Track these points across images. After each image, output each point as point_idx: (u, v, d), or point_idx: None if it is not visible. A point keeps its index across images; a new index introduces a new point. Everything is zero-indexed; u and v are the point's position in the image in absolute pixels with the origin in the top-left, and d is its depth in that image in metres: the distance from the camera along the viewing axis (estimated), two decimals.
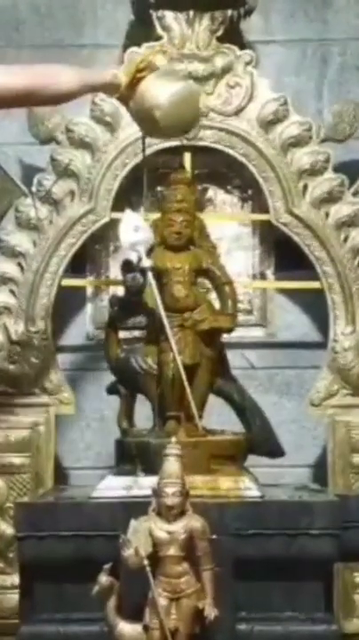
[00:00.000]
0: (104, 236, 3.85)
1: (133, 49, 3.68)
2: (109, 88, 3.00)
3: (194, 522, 2.79)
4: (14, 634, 3.12)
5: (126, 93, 2.98)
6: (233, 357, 3.47)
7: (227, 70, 3.68)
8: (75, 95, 2.98)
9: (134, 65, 2.97)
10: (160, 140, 3.30)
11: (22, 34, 3.97)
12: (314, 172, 3.68)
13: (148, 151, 3.35)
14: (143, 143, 3.21)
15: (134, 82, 2.95)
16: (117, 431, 3.36)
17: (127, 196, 3.70)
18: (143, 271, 3.22)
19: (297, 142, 3.68)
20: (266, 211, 3.74)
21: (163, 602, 2.76)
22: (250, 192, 3.90)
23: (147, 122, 2.98)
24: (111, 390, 3.37)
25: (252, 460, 3.37)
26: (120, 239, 3.30)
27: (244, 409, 3.36)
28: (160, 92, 2.93)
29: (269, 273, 3.91)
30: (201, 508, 2.85)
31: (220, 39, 3.69)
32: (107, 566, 2.81)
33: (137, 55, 3.12)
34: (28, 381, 3.67)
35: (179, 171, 3.39)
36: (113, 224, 3.62)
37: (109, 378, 3.39)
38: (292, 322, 3.91)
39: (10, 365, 3.67)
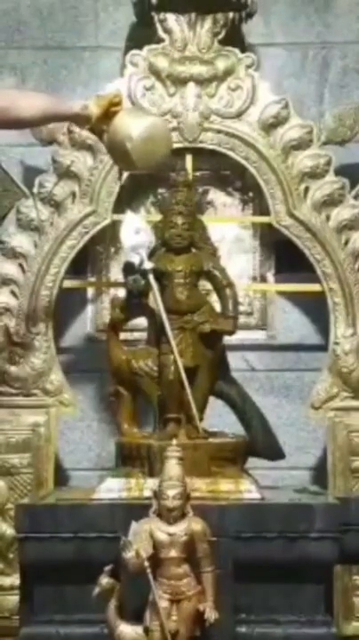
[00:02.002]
0: (105, 238, 3.85)
1: (135, 51, 3.69)
2: (78, 119, 3.05)
3: (194, 524, 2.80)
4: (14, 635, 3.13)
5: (99, 125, 3.04)
6: (233, 359, 3.48)
7: (228, 73, 3.67)
8: (37, 122, 3.06)
9: (107, 99, 3.04)
10: (134, 172, 3.33)
11: (24, 35, 3.97)
12: (315, 174, 3.68)
13: None
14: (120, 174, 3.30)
15: (109, 115, 3.02)
16: (118, 433, 3.36)
17: (128, 198, 3.70)
18: (144, 273, 3.22)
19: (298, 145, 3.68)
20: (266, 213, 3.74)
21: (163, 604, 2.76)
22: (251, 194, 3.90)
23: (121, 154, 3.04)
24: (112, 392, 3.37)
25: (252, 462, 3.37)
26: (121, 241, 3.31)
27: (245, 411, 3.36)
28: (132, 124, 3.01)
29: (270, 275, 3.91)
30: (201, 511, 2.86)
31: (222, 42, 3.69)
32: (107, 568, 2.82)
33: (108, 88, 3.22)
34: (29, 382, 3.67)
35: (180, 173, 3.40)
36: (114, 226, 3.62)
37: (110, 379, 3.39)
38: (293, 324, 3.91)
39: (11, 366, 3.67)
